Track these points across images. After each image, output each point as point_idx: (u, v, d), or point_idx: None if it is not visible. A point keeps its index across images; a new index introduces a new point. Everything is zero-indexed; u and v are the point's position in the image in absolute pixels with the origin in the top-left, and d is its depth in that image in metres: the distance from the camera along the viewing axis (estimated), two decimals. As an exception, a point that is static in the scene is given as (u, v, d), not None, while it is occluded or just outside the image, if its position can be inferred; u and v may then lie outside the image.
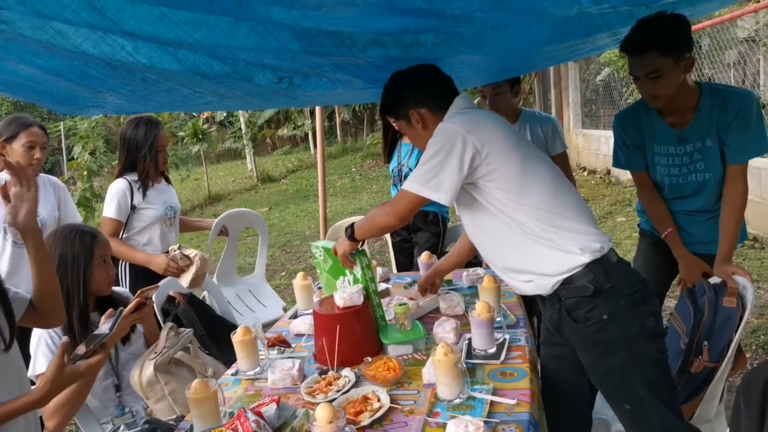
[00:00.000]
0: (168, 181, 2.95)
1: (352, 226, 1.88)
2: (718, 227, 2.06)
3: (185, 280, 2.60)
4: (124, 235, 2.73)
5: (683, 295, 2.06)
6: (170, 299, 2.57)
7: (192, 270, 2.60)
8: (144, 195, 2.73)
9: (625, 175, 7.59)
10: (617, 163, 2.31)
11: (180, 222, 3.05)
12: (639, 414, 1.62)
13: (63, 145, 10.79)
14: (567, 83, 9.61)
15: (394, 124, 1.92)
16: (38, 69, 1.86)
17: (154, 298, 2.24)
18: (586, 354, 1.66)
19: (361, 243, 1.91)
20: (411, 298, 2.29)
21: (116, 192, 2.68)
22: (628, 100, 7.71)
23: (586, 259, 1.57)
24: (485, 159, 1.60)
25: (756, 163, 4.61)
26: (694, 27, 5.48)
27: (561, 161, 2.77)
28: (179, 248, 2.64)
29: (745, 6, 4.73)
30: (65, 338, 1.32)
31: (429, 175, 1.61)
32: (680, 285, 2.24)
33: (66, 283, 1.84)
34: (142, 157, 2.70)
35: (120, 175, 2.75)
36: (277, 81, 2.02)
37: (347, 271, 2.06)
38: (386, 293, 2.44)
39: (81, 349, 1.34)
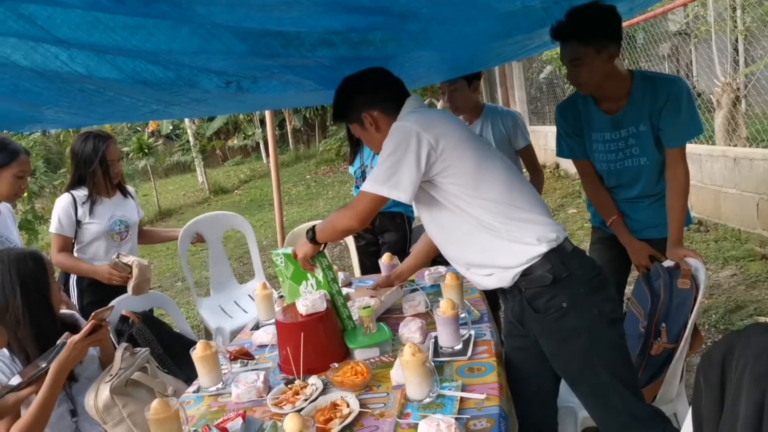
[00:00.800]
0: (125, 194, 2.88)
1: (313, 229, 1.86)
2: (662, 211, 2.13)
3: (129, 288, 2.59)
4: (74, 249, 2.72)
5: (639, 280, 2.11)
6: (123, 319, 2.49)
7: (132, 277, 2.59)
8: (91, 209, 2.70)
9: (574, 168, 7.79)
10: (560, 152, 2.37)
11: (146, 234, 3.08)
12: (602, 399, 1.65)
13: (-1, 166, 10.27)
14: (512, 82, 9.83)
15: (351, 129, 1.91)
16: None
17: (108, 320, 2.16)
18: (549, 342, 1.68)
19: (322, 246, 1.89)
20: (372, 296, 2.26)
21: (59, 208, 2.67)
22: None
23: (543, 249, 1.60)
24: (440, 155, 1.61)
25: (696, 150, 4.82)
26: (628, 22, 5.71)
27: (526, 155, 2.80)
28: (117, 256, 2.62)
29: (675, 0, 4.94)
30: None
31: (387, 173, 1.61)
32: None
33: (32, 305, 1.79)
34: (91, 171, 2.67)
35: (68, 189, 2.73)
36: (225, 85, 1.96)
37: (309, 275, 2.03)
38: (347, 298, 2.40)
39: (15, 380, 1.27)
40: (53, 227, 2.67)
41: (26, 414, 1.65)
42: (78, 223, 2.69)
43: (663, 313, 1.94)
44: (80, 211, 2.68)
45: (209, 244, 3.51)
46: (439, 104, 8.61)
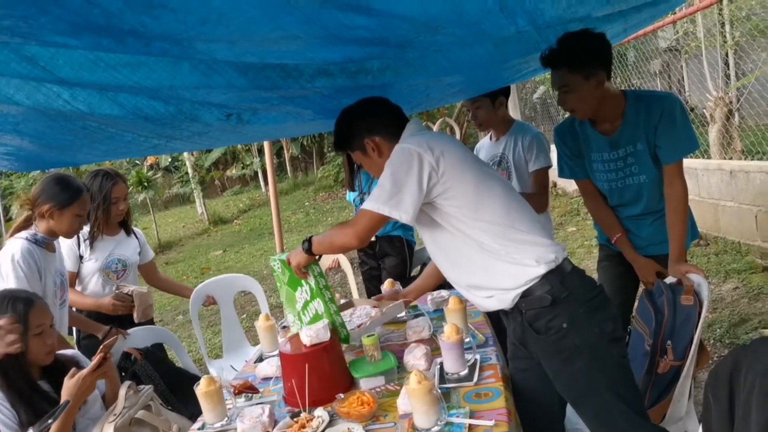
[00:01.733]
0: (129, 232, 2.91)
1: (309, 239, 1.86)
2: (666, 227, 2.14)
3: (135, 316, 2.71)
4: (76, 283, 2.79)
5: (642, 298, 2.11)
6: (126, 356, 2.48)
7: (135, 306, 2.71)
8: (91, 246, 2.76)
9: (571, 187, 7.83)
10: (562, 173, 2.39)
11: (161, 280, 3.17)
12: (606, 419, 1.64)
13: (-1, 204, 10.29)
14: (506, 102, 9.93)
15: (353, 156, 1.92)
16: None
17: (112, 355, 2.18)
18: (550, 363, 1.67)
19: (318, 257, 1.90)
20: (374, 306, 2.25)
21: (63, 243, 2.70)
22: (566, 115, 8.02)
23: (542, 270, 1.61)
24: (441, 177, 1.63)
25: (692, 164, 4.85)
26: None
27: (534, 177, 2.64)
28: (117, 288, 2.73)
29: (665, 18, 5.03)
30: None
31: (389, 193, 1.62)
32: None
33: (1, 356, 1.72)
34: (94, 208, 2.69)
35: None
36: (225, 118, 1.98)
37: (303, 282, 2.03)
38: (349, 305, 2.40)
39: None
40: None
41: None
42: (81, 258, 2.75)
43: (668, 330, 1.93)
44: (83, 246, 2.74)
45: (221, 307, 3.50)
46: (435, 127, 8.69)
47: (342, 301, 2.59)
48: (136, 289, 2.74)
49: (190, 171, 14.04)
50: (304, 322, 2.05)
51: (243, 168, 17.66)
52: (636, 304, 2.20)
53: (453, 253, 1.73)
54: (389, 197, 1.62)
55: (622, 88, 2.21)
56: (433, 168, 1.62)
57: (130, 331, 2.66)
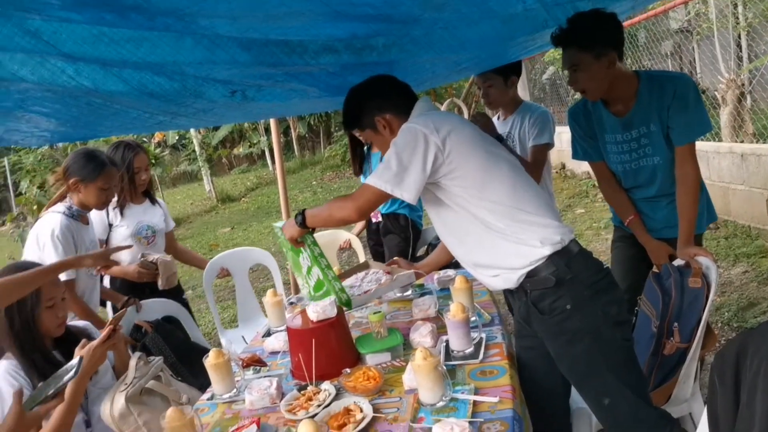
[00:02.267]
0: (153, 202, 3.02)
1: (303, 212, 1.86)
2: None
3: (159, 284, 2.79)
4: None
5: (650, 280, 2.10)
6: (137, 328, 2.52)
7: (159, 274, 2.79)
8: (122, 214, 2.85)
9: (580, 168, 7.78)
10: (576, 155, 2.37)
11: (179, 251, 3.25)
12: (607, 400, 1.64)
13: (9, 180, 10.36)
14: (517, 82, 9.81)
15: (360, 137, 1.91)
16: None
17: (122, 326, 2.22)
18: (554, 344, 1.68)
19: (312, 230, 1.90)
20: (387, 272, 2.26)
21: (92, 213, 2.77)
22: (575, 96, 7.94)
23: (547, 251, 1.60)
24: (447, 158, 1.62)
25: (703, 147, 4.79)
26: (629, 21, 5.69)
27: (534, 152, 2.59)
28: (142, 256, 2.81)
29: (676, -3, 4.93)
30: (17, 388, 1.35)
31: (393, 171, 1.62)
32: None
33: (15, 326, 1.75)
34: (119, 177, 2.76)
35: None
36: (230, 95, 1.97)
37: (302, 249, 2.03)
38: (365, 266, 2.42)
39: (41, 387, 1.31)
40: None
41: (50, 423, 1.66)
42: (110, 226, 2.84)
43: (675, 312, 1.93)
44: (111, 215, 2.83)
45: (235, 279, 3.58)
46: (443, 107, 8.62)
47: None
48: (161, 257, 2.82)
49: (197, 149, 14.04)
50: (310, 287, 2.06)
51: (250, 146, 17.62)
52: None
53: (459, 231, 1.74)
54: (393, 175, 1.62)
55: (634, 69, 2.17)
56: (439, 149, 1.61)
57: (142, 302, 2.71)
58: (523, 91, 9.65)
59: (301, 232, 1.89)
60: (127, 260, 2.83)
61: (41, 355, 1.78)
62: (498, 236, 1.64)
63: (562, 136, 8.29)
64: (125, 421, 1.80)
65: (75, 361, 1.48)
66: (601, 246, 5.12)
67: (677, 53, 6.95)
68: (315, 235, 1.97)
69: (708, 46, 5.95)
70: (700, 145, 4.90)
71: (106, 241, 2.84)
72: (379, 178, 1.64)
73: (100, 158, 2.49)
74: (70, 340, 1.88)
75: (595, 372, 1.62)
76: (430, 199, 1.75)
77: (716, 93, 5.27)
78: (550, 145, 2.62)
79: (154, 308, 2.76)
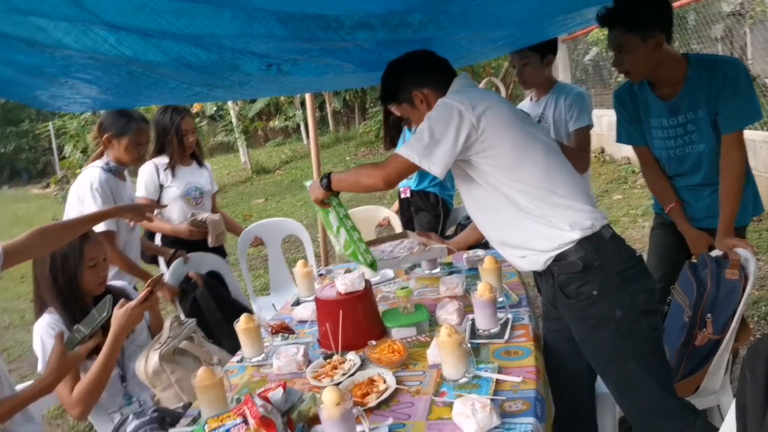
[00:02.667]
0: (200, 164, 3.15)
1: (328, 175, 1.87)
2: None
3: (209, 241, 2.95)
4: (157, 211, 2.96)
5: (685, 269, 2.06)
6: (187, 279, 2.71)
7: (209, 232, 2.94)
8: (173, 175, 3.00)
9: (620, 154, 7.58)
10: (620, 138, 2.33)
11: (218, 212, 3.29)
12: (629, 389, 1.63)
13: (53, 144, 10.69)
14: (556, 63, 9.57)
15: (397, 111, 1.90)
16: (20, 66, 1.82)
17: (168, 281, 2.49)
18: (578, 328, 1.67)
19: (336, 193, 1.92)
20: (423, 243, 2.29)
21: (144, 174, 2.99)
22: (618, 79, 7.69)
23: (576, 235, 1.58)
24: (481, 136, 1.61)
25: (750, 136, 4.61)
26: (678, 2, 5.46)
27: (575, 137, 2.55)
28: (192, 215, 2.97)
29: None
30: (58, 332, 1.46)
31: (424, 144, 1.61)
32: None
33: (59, 282, 1.84)
34: (169, 140, 2.96)
35: (151, 158, 3.04)
36: (266, 68, 1.98)
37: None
38: (403, 235, 2.49)
39: (77, 330, 1.42)
40: (140, 192, 2.97)
41: (88, 375, 1.76)
42: (161, 187, 2.99)
43: (709, 303, 1.89)
44: (162, 176, 2.98)
45: (269, 248, 3.68)
46: (480, 86, 8.49)
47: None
48: (210, 216, 2.97)
49: (234, 120, 14.19)
50: (340, 245, 2.08)
51: (286, 120, 17.71)
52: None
53: (488, 209, 1.73)
54: (423, 147, 1.61)
55: (682, 52, 2.10)
56: (473, 126, 1.59)
57: (190, 255, 2.87)
58: (564, 72, 9.40)
59: (326, 195, 1.91)
60: (177, 219, 2.99)
61: (81, 310, 1.87)
62: (527, 217, 1.63)
63: (602, 119, 8.09)
64: (158, 377, 1.88)
65: (105, 300, 1.56)
66: (637, 233, 5.02)
67: (728, 37, 6.65)
68: (353, 210, 2.00)
69: (761, 31, 5.68)
70: (748, 133, 4.71)
71: (158, 202, 2.98)
72: (409, 148, 1.64)
73: (131, 114, 2.62)
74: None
75: (619, 359, 1.61)
76: (460, 175, 1.74)
77: (767, 81, 5.04)
78: (590, 126, 2.56)
79: (201, 262, 2.92)
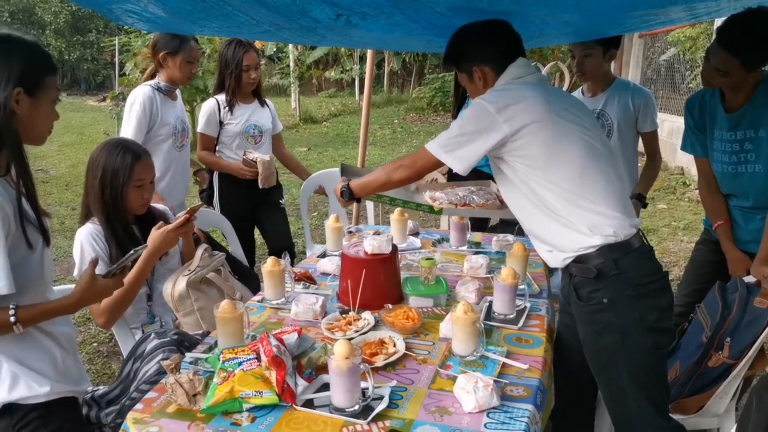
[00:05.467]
0: (262, 103, 3.16)
1: (348, 185, 1.88)
2: None
3: (259, 182, 2.97)
4: (217, 147, 3.08)
5: (714, 290, 2.02)
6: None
7: (260, 172, 2.96)
8: (231, 111, 3.02)
9: (674, 162, 7.34)
10: (684, 146, 2.30)
11: (285, 156, 3.42)
12: (618, 399, 1.65)
13: (116, 59, 10.91)
14: (629, 59, 9.20)
15: (458, 77, 1.89)
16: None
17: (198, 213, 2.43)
18: (583, 330, 1.69)
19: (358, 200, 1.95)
20: (498, 198, 2.18)
21: (206, 110, 3.05)
22: (690, 85, 7.37)
23: (597, 241, 1.57)
24: (514, 141, 1.59)
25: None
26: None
27: (649, 140, 2.64)
28: (244, 154, 2.98)
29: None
30: (94, 256, 1.50)
31: (453, 143, 1.63)
32: None
33: (105, 195, 1.92)
34: (228, 74, 2.98)
35: (214, 94, 3.10)
36: (335, 18, 1.98)
37: None
38: (486, 184, 2.41)
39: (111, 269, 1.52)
40: (200, 127, 3.05)
41: (119, 290, 1.85)
42: (221, 123, 3.01)
43: (731, 327, 1.86)
44: (222, 112, 3.01)
45: (330, 198, 3.64)
46: (545, 69, 8.24)
47: (410, 225, 2.66)
48: (260, 156, 2.96)
49: (291, 64, 14.22)
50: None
51: (342, 72, 17.64)
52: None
53: (518, 200, 1.72)
54: (452, 148, 1.63)
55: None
56: (504, 133, 1.57)
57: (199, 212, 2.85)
58: (635, 69, 9.05)
59: (346, 203, 1.95)
60: (234, 157, 3.04)
61: (121, 226, 1.96)
62: (552, 215, 1.62)
63: (664, 124, 7.79)
64: (182, 303, 1.97)
65: (141, 248, 1.63)
66: (674, 246, 4.90)
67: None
68: None
69: None
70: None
71: (218, 138, 3.04)
72: (438, 145, 1.66)
73: (184, 35, 2.69)
74: (148, 220, 2.05)
75: (613, 367, 1.62)
76: (493, 166, 1.75)
77: None
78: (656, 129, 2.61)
79: (203, 217, 2.71)
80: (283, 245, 3.10)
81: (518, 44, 1.76)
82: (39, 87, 1.36)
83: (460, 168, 1.63)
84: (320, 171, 3.72)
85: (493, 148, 1.60)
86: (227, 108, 3.01)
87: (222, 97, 3.03)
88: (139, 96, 2.65)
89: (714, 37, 1.98)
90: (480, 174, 3.25)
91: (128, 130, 2.65)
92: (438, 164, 1.70)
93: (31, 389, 1.44)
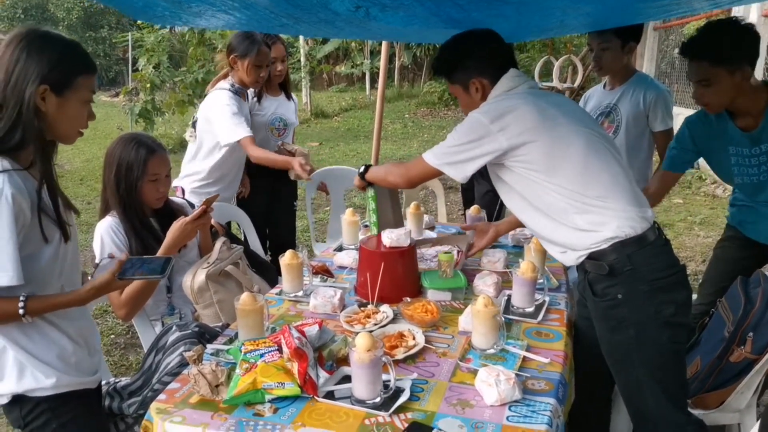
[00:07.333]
0: (288, 96, 3.18)
1: (368, 167, 2.01)
2: None
3: (292, 174, 2.84)
4: None
5: (736, 284, 2.01)
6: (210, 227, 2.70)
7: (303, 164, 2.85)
8: (259, 103, 3.03)
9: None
10: (665, 163, 2.25)
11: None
12: (635, 394, 1.64)
13: (129, 55, 10.96)
14: (643, 50, 9.08)
15: (449, 87, 1.89)
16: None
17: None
18: (599, 326, 1.69)
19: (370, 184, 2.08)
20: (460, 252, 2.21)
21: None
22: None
23: (608, 235, 1.56)
24: (512, 152, 1.61)
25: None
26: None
27: (660, 140, 2.53)
28: (281, 144, 2.98)
29: None
30: (124, 255, 1.48)
31: (450, 154, 1.68)
32: None
33: (120, 189, 1.93)
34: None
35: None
36: (354, 10, 1.97)
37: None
38: (463, 239, 2.38)
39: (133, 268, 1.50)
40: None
41: (139, 281, 1.87)
42: (250, 114, 2.98)
43: (753, 322, 1.85)
44: (251, 103, 3.01)
45: (332, 195, 3.69)
46: (558, 63, 8.18)
47: (426, 219, 2.65)
48: (299, 149, 2.94)
49: (302, 59, 14.22)
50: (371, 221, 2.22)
51: (352, 67, 17.61)
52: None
53: (521, 205, 1.72)
54: (448, 156, 1.68)
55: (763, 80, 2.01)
56: (499, 145, 1.60)
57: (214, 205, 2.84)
58: (649, 62, 8.94)
59: (361, 183, 2.08)
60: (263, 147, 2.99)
61: (139, 219, 1.97)
62: (558, 217, 1.62)
63: (679, 118, 7.69)
64: (202, 295, 1.98)
65: (169, 262, 1.58)
66: (691, 241, 4.86)
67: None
68: None
69: None
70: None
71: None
72: (435, 156, 1.70)
73: (255, 37, 2.70)
74: (167, 213, 2.07)
75: (629, 363, 1.62)
76: (493, 174, 1.76)
77: None
78: (671, 128, 2.52)
79: (221, 210, 2.79)
80: (284, 241, 3.13)
81: (511, 55, 1.80)
82: (67, 86, 1.34)
83: (459, 178, 1.68)
84: (323, 168, 3.68)
85: (491, 157, 1.63)
86: (255, 99, 3.02)
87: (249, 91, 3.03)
88: (224, 99, 2.67)
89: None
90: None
91: (234, 129, 2.66)
92: (433, 174, 1.74)
93: (38, 380, 1.41)
